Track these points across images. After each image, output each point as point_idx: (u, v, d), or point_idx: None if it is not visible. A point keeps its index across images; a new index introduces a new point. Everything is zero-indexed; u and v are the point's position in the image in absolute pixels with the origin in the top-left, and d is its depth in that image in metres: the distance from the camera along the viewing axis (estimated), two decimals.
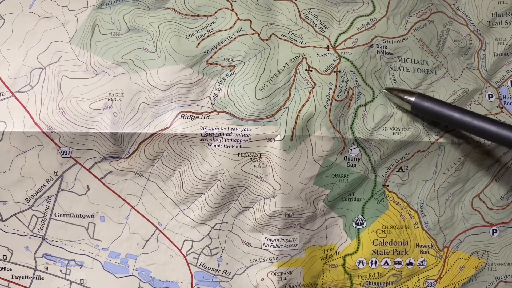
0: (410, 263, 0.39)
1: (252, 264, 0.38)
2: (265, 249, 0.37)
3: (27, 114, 0.35)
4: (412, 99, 0.37)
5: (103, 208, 0.37)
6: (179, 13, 0.38)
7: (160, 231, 0.38)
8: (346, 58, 0.38)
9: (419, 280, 0.40)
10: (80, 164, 0.36)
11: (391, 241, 0.39)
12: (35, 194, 0.37)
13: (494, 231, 0.40)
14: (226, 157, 0.36)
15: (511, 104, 0.41)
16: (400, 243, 0.39)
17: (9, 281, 0.38)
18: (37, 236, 0.37)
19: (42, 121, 0.35)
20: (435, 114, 0.36)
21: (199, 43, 0.37)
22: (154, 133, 0.36)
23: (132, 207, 0.37)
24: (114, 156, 0.36)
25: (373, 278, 0.39)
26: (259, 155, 0.36)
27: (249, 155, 0.36)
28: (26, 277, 0.38)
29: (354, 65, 0.38)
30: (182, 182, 0.37)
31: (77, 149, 0.36)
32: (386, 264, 0.39)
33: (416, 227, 0.39)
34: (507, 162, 0.40)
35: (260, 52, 0.38)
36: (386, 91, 0.38)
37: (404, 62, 0.39)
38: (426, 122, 0.39)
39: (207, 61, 0.37)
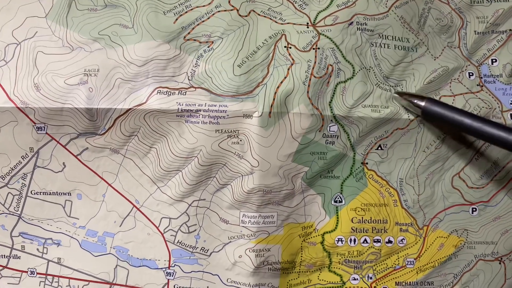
0: (390, 241, 0.39)
1: (230, 241, 0.37)
2: (243, 226, 0.37)
3: (1, 89, 0.35)
4: (422, 103, 0.36)
5: (80, 185, 0.37)
6: None
7: (138, 209, 0.37)
8: (325, 35, 0.38)
9: (398, 258, 0.40)
10: (56, 140, 0.36)
11: (370, 219, 0.39)
12: (10, 171, 0.36)
13: (474, 209, 0.40)
14: (203, 133, 0.36)
15: (491, 82, 0.40)
16: (379, 221, 0.39)
17: None
18: (13, 214, 0.37)
19: (17, 96, 0.35)
20: (445, 119, 0.36)
21: (176, 19, 0.37)
22: (130, 108, 0.35)
23: (109, 185, 0.37)
24: (90, 133, 0.36)
25: (352, 256, 0.39)
26: (237, 131, 0.36)
27: (226, 131, 0.36)
28: (3, 256, 0.38)
29: (333, 42, 0.38)
30: (159, 159, 0.37)
31: (52, 125, 0.36)
32: (365, 242, 0.39)
33: (395, 205, 0.39)
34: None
35: (239, 28, 0.37)
36: (396, 95, 0.38)
37: (385, 39, 0.39)
38: (437, 128, 0.39)
39: (184, 37, 0.37)
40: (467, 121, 0.35)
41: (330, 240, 0.39)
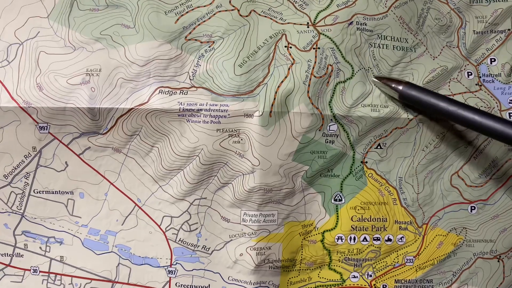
0: (389, 240, 0.40)
1: (231, 240, 0.38)
2: (244, 225, 0.37)
3: (4, 89, 0.35)
4: (400, 87, 0.37)
5: (82, 184, 0.37)
6: None
7: (139, 207, 0.38)
8: (325, 35, 0.38)
9: (398, 256, 0.40)
10: (58, 139, 0.36)
11: (370, 218, 0.39)
12: (13, 171, 0.37)
13: (473, 208, 0.41)
14: (204, 133, 0.36)
15: (490, 82, 0.41)
16: (378, 219, 0.39)
17: None
18: (16, 213, 0.37)
19: (19, 96, 0.35)
20: (421, 103, 0.36)
21: (178, 19, 0.37)
22: (132, 108, 0.36)
23: (111, 184, 0.37)
24: (92, 132, 0.36)
25: (352, 254, 0.39)
26: (237, 131, 0.36)
27: (227, 131, 0.36)
28: (6, 255, 0.38)
29: (333, 41, 0.38)
30: (161, 158, 0.37)
31: (55, 125, 0.36)
32: (365, 240, 0.39)
33: (395, 203, 0.39)
34: (485, 140, 0.40)
35: (240, 28, 0.38)
36: (375, 79, 0.38)
37: (384, 39, 0.39)
38: (415, 111, 0.39)
39: (186, 36, 0.37)
40: (443, 104, 0.35)
41: (330, 238, 0.39)
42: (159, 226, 0.38)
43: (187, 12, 0.38)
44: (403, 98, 0.37)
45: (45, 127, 0.36)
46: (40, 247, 0.38)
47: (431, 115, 0.39)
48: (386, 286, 0.40)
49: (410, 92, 0.37)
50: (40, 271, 0.38)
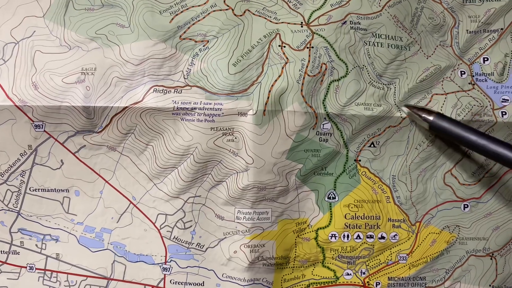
0: (382, 237, 0.40)
1: (225, 237, 0.38)
2: (238, 222, 0.38)
3: (0, 88, 0.36)
4: (431, 118, 0.37)
5: (78, 182, 0.38)
6: None
7: (134, 205, 0.38)
8: (319, 35, 0.39)
9: (391, 254, 0.40)
10: (54, 138, 0.37)
11: (363, 215, 0.39)
12: (9, 169, 0.37)
13: (466, 206, 0.41)
14: (198, 131, 0.37)
15: (483, 81, 0.41)
16: (372, 217, 0.40)
17: None
18: (12, 211, 0.38)
19: (15, 95, 0.35)
20: (451, 134, 0.37)
21: (172, 18, 0.38)
22: (126, 107, 0.36)
23: (106, 182, 0.38)
24: (87, 130, 0.37)
25: (345, 252, 0.40)
26: (231, 129, 0.37)
27: (221, 129, 0.37)
28: (2, 252, 0.38)
29: (327, 41, 0.39)
30: (155, 156, 0.37)
31: (50, 123, 0.36)
32: (358, 238, 0.40)
33: (388, 201, 0.40)
34: None
35: (234, 27, 0.38)
36: (404, 108, 0.39)
37: (378, 37, 0.40)
38: (444, 142, 0.39)
39: (180, 36, 0.37)
40: (473, 138, 0.36)
41: (324, 236, 0.39)
42: (153, 224, 0.38)
43: (181, 12, 0.38)
44: (433, 129, 0.38)
45: (41, 126, 0.36)
46: (36, 245, 0.38)
47: (461, 145, 0.39)
48: (379, 283, 0.40)
49: (441, 123, 0.37)
50: (36, 269, 0.38)
